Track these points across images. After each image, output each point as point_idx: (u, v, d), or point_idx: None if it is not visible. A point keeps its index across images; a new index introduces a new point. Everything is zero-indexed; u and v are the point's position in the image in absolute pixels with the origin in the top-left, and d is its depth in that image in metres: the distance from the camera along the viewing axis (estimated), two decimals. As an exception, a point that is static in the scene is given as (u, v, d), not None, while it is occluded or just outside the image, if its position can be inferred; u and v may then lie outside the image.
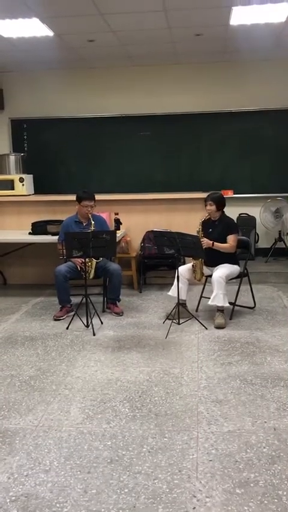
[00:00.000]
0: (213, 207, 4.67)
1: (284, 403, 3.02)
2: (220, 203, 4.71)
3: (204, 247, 4.50)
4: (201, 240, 4.53)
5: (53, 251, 5.18)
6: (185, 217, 5.83)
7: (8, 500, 2.20)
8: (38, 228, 5.55)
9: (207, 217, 4.71)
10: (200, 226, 4.66)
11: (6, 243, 5.71)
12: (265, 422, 2.81)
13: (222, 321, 4.46)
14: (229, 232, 4.66)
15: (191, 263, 4.69)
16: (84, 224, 4.94)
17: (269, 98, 7.28)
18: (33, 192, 6.84)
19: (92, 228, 4.74)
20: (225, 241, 4.63)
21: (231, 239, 4.64)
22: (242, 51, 6.76)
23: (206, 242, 4.55)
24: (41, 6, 4.88)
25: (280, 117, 7.32)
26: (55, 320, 4.75)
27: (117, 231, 5.43)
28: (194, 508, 2.13)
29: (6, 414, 2.97)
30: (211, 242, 4.56)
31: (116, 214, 5.78)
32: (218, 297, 4.42)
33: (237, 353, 3.84)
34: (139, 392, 3.22)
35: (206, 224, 4.73)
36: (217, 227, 4.70)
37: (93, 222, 4.77)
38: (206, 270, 4.71)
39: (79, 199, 4.90)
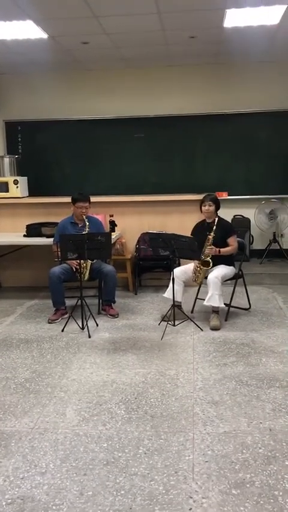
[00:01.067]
0: (212, 208, 4.68)
1: (279, 404, 3.03)
2: (218, 204, 4.74)
3: (212, 255, 4.49)
4: (210, 247, 4.50)
5: (47, 253, 5.17)
6: (180, 219, 5.83)
7: (4, 503, 2.20)
8: (33, 230, 5.54)
9: (203, 220, 4.71)
10: (213, 234, 4.52)
11: (0, 245, 5.68)
12: (261, 423, 2.82)
13: (218, 323, 4.47)
14: (228, 234, 4.67)
15: (193, 264, 4.66)
16: (80, 225, 4.94)
17: (263, 100, 7.30)
18: (27, 194, 6.82)
19: (87, 229, 4.75)
20: (224, 244, 4.63)
21: (232, 240, 4.66)
22: (236, 54, 6.78)
23: (214, 250, 4.53)
24: (35, 9, 4.87)
25: (274, 119, 7.34)
26: (50, 323, 4.74)
27: (112, 233, 5.43)
28: (191, 509, 2.13)
29: (2, 417, 2.96)
30: (218, 250, 4.55)
31: (111, 216, 5.78)
32: (213, 298, 4.43)
33: (232, 354, 3.85)
34: (135, 394, 3.22)
35: (202, 228, 4.73)
36: (215, 230, 4.67)
37: (87, 224, 4.78)
38: (203, 271, 4.72)
39: (74, 201, 4.91)
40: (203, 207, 4.71)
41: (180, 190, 7.16)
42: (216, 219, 4.66)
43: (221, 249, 4.57)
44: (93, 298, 5.17)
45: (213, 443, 2.62)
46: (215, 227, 4.62)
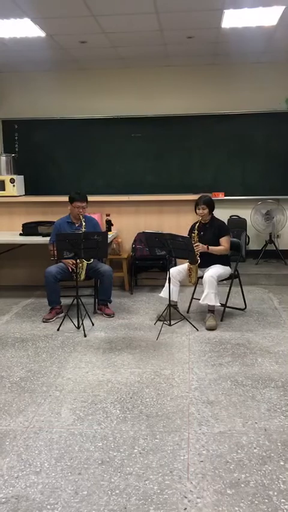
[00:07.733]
0: (206, 211, 4.69)
1: (274, 404, 3.03)
2: (212, 206, 4.74)
3: (199, 251, 4.51)
4: (196, 244, 4.54)
5: (43, 252, 5.16)
6: (176, 219, 5.84)
7: (-2, 502, 2.19)
8: (29, 229, 5.53)
9: (199, 221, 4.71)
10: (196, 231, 4.66)
11: (-4, 244, 5.68)
12: (256, 423, 2.82)
13: (213, 323, 4.47)
14: (221, 234, 4.68)
15: (187, 265, 4.67)
16: (77, 225, 4.93)
17: (260, 101, 7.31)
18: (24, 193, 6.81)
19: (83, 229, 4.74)
20: (217, 244, 4.64)
21: (225, 241, 4.66)
22: (233, 54, 6.79)
23: (201, 247, 4.55)
24: (32, 7, 4.86)
25: (271, 119, 7.36)
26: (44, 322, 4.73)
27: (109, 232, 5.43)
28: (185, 508, 2.13)
29: (-3, 416, 2.95)
30: (206, 246, 4.57)
31: (108, 215, 5.78)
32: (209, 297, 4.43)
33: (228, 354, 3.85)
34: (130, 393, 3.21)
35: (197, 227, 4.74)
36: (208, 230, 4.71)
37: (84, 223, 4.77)
38: (198, 271, 4.72)
39: (71, 200, 4.89)
40: (197, 210, 4.73)
41: (176, 190, 7.17)
42: (208, 218, 4.70)
43: (210, 247, 4.58)
44: (89, 297, 5.16)
45: (208, 443, 2.62)
46: (207, 227, 4.65)
